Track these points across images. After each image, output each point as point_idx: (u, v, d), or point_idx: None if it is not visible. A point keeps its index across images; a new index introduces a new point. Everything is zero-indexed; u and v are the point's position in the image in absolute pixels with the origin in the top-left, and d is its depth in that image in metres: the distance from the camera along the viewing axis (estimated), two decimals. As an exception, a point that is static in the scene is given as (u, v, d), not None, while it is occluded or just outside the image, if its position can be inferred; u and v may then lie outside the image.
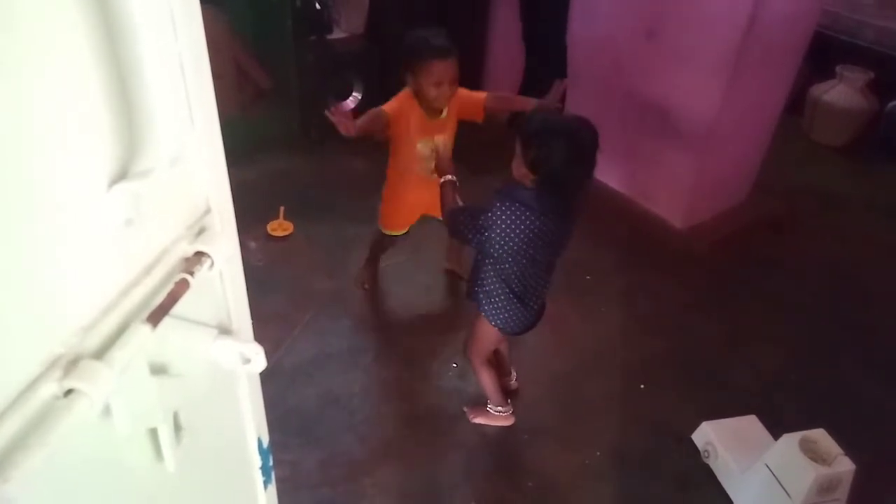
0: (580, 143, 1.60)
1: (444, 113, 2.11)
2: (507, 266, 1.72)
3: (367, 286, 2.58)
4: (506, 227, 1.62)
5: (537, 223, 1.62)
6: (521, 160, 1.63)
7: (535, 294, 1.81)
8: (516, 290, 1.76)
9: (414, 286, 2.63)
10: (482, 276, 1.79)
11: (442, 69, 1.96)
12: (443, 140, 2.14)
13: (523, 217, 1.61)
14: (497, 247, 1.66)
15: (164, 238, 0.64)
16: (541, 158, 1.59)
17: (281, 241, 2.79)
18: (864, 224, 3.27)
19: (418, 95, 2.04)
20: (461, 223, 1.74)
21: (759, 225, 3.15)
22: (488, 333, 1.90)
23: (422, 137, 2.13)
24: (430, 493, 1.91)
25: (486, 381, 2.02)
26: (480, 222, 1.65)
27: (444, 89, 1.99)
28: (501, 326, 1.84)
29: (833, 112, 3.82)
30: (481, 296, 1.82)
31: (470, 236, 1.71)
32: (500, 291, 1.77)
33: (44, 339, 0.52)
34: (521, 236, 1.63)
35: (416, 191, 2.26)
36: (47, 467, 0.50)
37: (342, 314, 2.46)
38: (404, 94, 2.09)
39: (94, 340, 0.55)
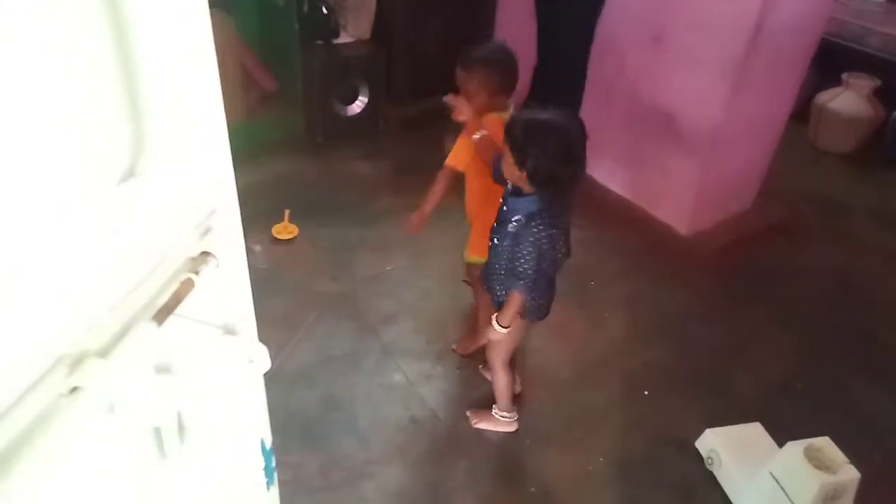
0: (570, 139, 1.61)
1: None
2: (552, 269, 1.77)
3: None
4: (551, 241, 1.67)
5: (557, 222, 1.67)
6: (511, 163, 1.65)
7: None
8: (553, 275, 1.82)
9: (417, 290, 2.62)
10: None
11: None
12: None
13: (548, 224, 1.65)
14: (552, 256, 1.70)
15: (170, 237, 0.64)
16: (533, 161, 1.60)
17: (285, 243, 2.79)
18: (869, 232, 3.26)
19: None
20: (527, 285, 1.73)
21: (763, 232, 3.14)
22: (514, 332, 1.89)
23: None
24: (432, 498, 1.90)
25: (503, 383, 2.01)
26: (537, 262, 1.68)
27: (455, 96, 1.89)
28: (539, 316, 1.88)
29: (839, 119, 3.81)
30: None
31: (539, 280, 1.73)
32: (540, 288, 1.80)
33: (49, 336, 0.52)
34: (557, 239, 1.68)
35: None
36: (51, 462, 0.51)
37: (346, 317, 2.46)
38: None
39: (99, 339, 0.55)
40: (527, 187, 1.66)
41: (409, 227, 2.10)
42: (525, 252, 1.68)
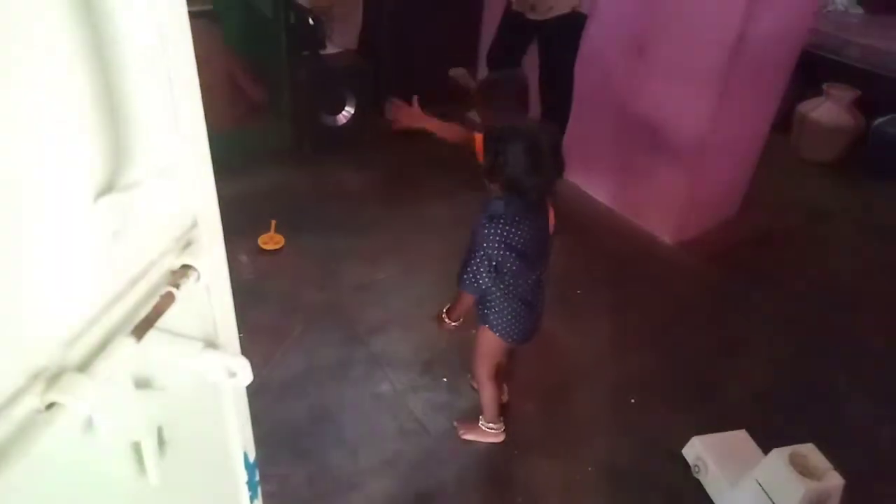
0: (537, 150, 1.62)
1: None
2: (519, 281, 1.75)
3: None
4: (500, 247, 1.66)
5: (521, 230, 1.66)
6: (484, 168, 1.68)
7: (540, 297, 1.85)
8: (529, 298, 1.80)
9: (406, 300, 2.62)
10: (489, 297, 1.80)
11: None
12: None
13: (509, 229, 1.65)
14: (507, 267, 1.70)
15: (151, 251, 0.64)
16: (498, 166, 1.62)
17: (272, 254, 2.79)
18: (850, 239, 3.30)
19: None
20: (468, 282, 1.73)
21: (748, 240, 3.18)
22: (495, 346, 1.90)
23: None
24: (420, 509, 1.90)
25: (489, 395, 2.01)
26: (479, 262, 1.68)
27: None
28: (514, 338, 1.86)
29: (820, 129, 3.87)
30: (492, 316, 1.82)
31: (482, 281, 1.72)
32: (512, 307, 1.79)
33: (26, 351, 0.51)
34: (517, 247, 1.66)
35: None
36: (28, 480, 0.50)
37: (333, 327, 2.45)
38: None
39: (77, 353, 0.55)
40: (495, 189, 1.68)
41: (396, 110, 2.13)
42: (476, 251, 1.69)
